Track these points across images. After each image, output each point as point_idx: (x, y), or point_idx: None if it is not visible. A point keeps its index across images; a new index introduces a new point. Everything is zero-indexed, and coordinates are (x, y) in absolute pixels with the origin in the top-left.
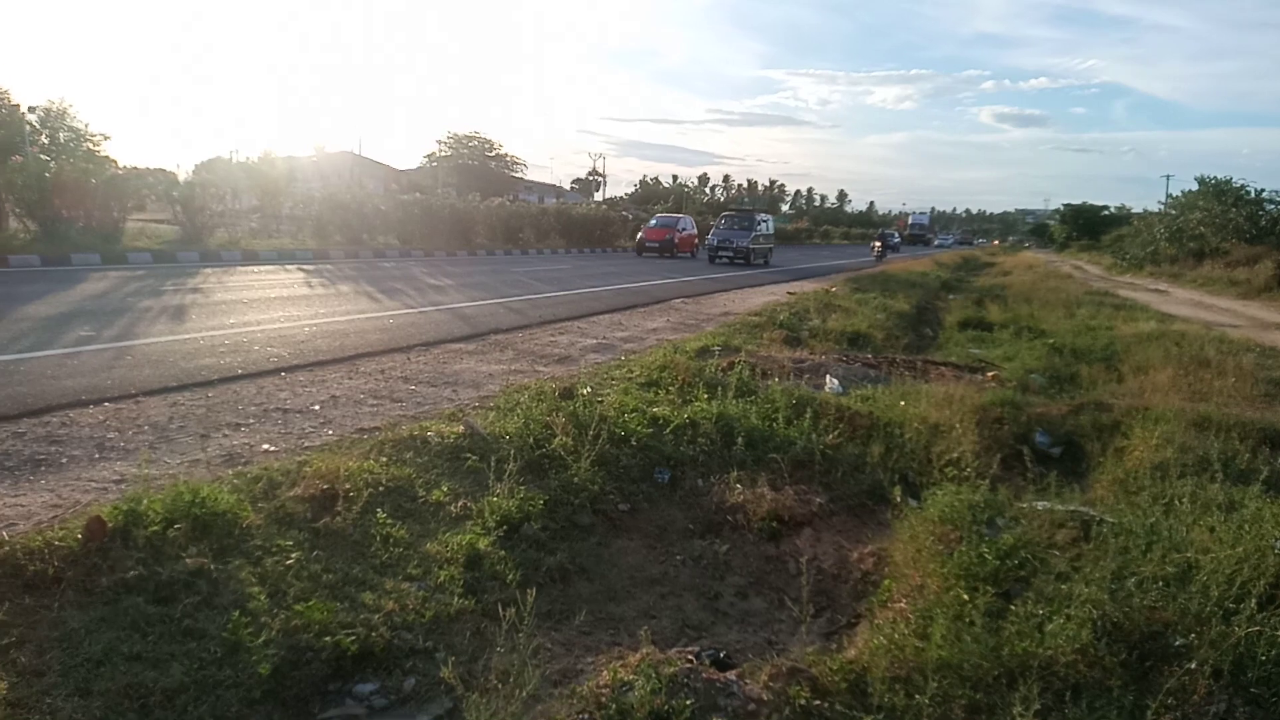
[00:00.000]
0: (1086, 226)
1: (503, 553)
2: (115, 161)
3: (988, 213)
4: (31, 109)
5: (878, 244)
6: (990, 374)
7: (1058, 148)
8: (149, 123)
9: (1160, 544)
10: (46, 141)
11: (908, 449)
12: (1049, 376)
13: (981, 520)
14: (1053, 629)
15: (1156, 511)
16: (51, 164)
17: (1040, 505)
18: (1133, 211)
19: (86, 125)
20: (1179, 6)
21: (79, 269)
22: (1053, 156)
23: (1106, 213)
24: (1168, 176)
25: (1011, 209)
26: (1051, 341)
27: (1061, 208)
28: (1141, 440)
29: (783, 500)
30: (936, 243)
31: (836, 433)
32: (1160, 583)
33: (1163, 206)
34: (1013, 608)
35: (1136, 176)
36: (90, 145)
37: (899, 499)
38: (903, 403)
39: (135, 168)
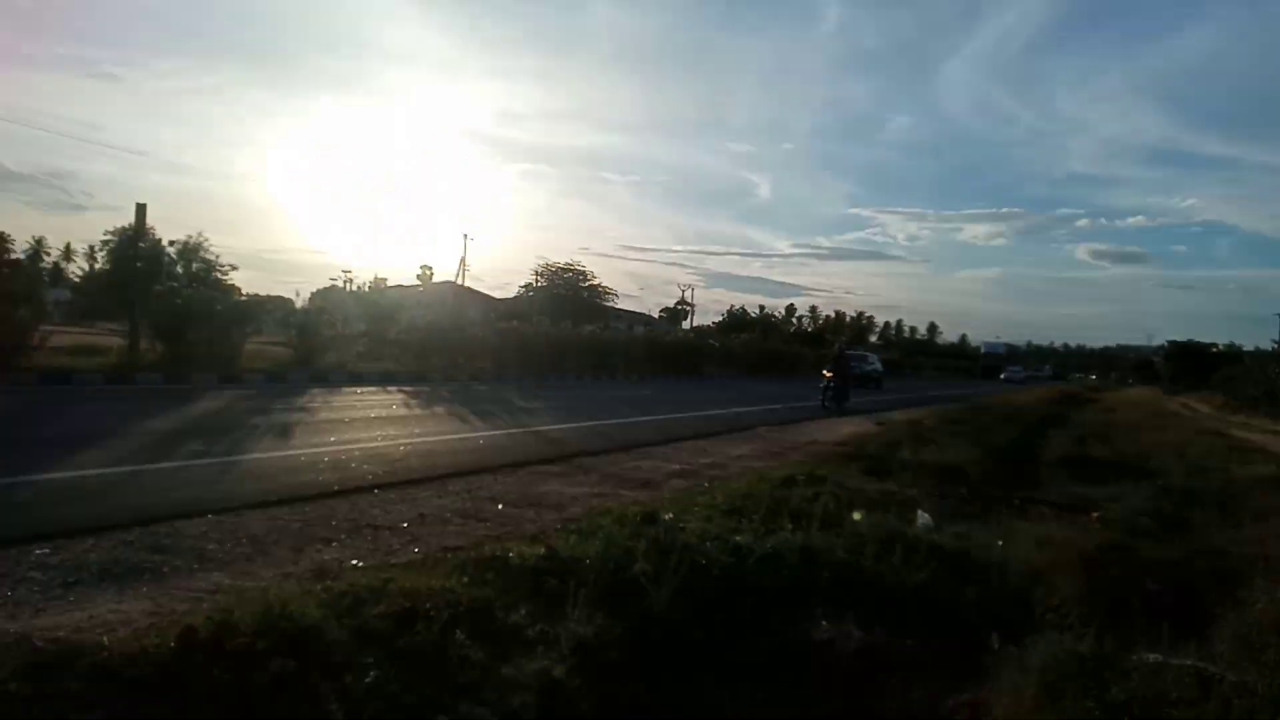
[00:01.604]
0: (1193, 364)
1: (578, 681)
2: (239, 290)
3: (1088, 347)
4: (171, 243)
5: (827, 374)
6: (1094, 514)
7: (1159, 284)
8: (273, 253)
9: None
10: (181, 271)
11: (1006, 592)
12: (1159, 519)
13: (1088, 672)
14: None
15: None
16: (184, 292)
17: (1152, 658)
18: (1243, 349)
19: (218, 256)
20: None
21: (198, 388)
22: (1154, 293)
23: (1215, 350)
24: None
25: (1113, 344)
26: (1160, 483)
27: (1166, 345)
28: (1265, 593)
29: (872, 641)
30: (1003, 376)
31: (928, 572)
32: None
33: (1276, 345)
34: None
35: (1245, 314)
36: (219, 275)
37: (998, 645)
38: (1000, 542)
39: (257, 295)
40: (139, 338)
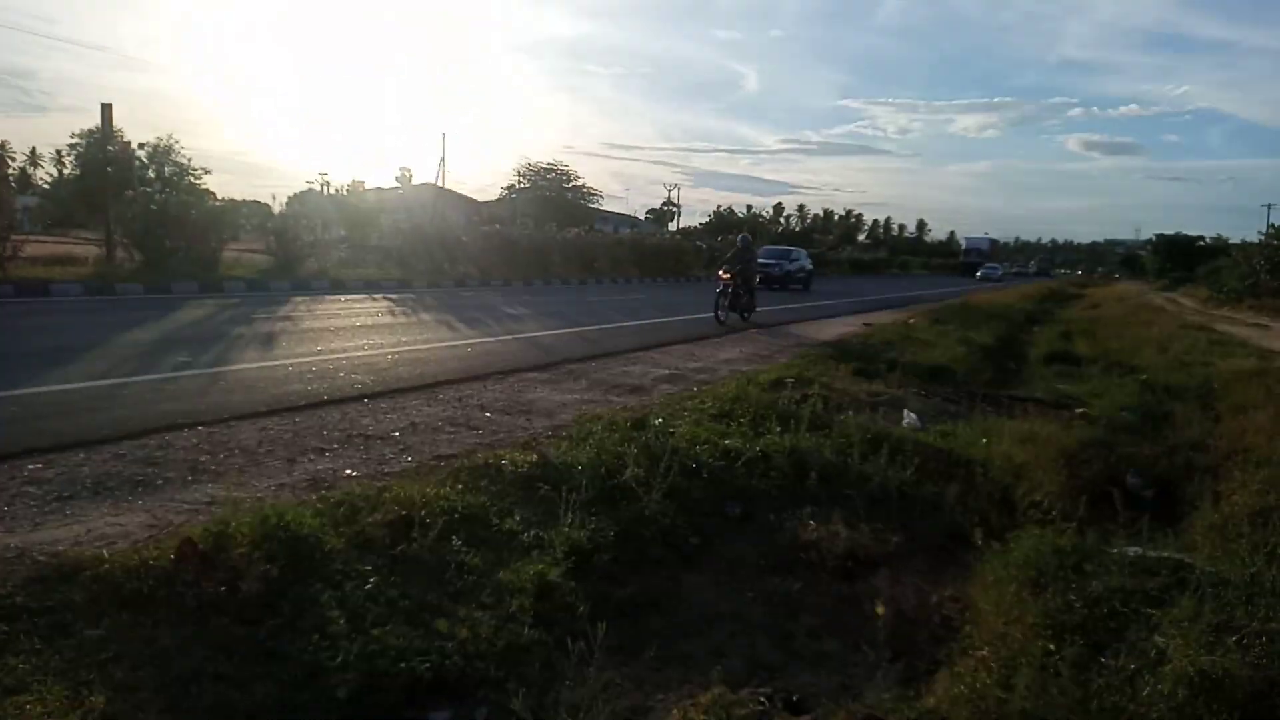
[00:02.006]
0: (1180, 258)
1: (573, 584)
2: (214, 194)
3: (1075, 243)
4: (141, 145)
5: (724, 275)
6: (1078, 411)
7: (1150, 176)
8: (245, 155)
9: (1263, 596)
10: (153, 176)
11: (990, 488)
12: (1141, 414)
13: (1069, 566)
14: (1144, 685)
15: (1258, 561)
16: (157, 197)
17: (1132, 551)
18: (1230, 242)
19: (189, 160)
20: None
21: (178, 297)
22: (1144, 185)
23: (1202, 244)
24: (1268, 205)
25: (1101, 239)
26: (1143, 378)
27: (1154, 238)
28: (1241, 485)
29: (858, 539)
30: (979, 274)
31: (914, 470)
32: (1264, 639)
33: (1263, 237)
34: (1102, 660)
35: (1234, 206)
36: (192, 179)
37: (981, 541)
38: (984, 440)
39: (233, 200)
40: (115, 246)
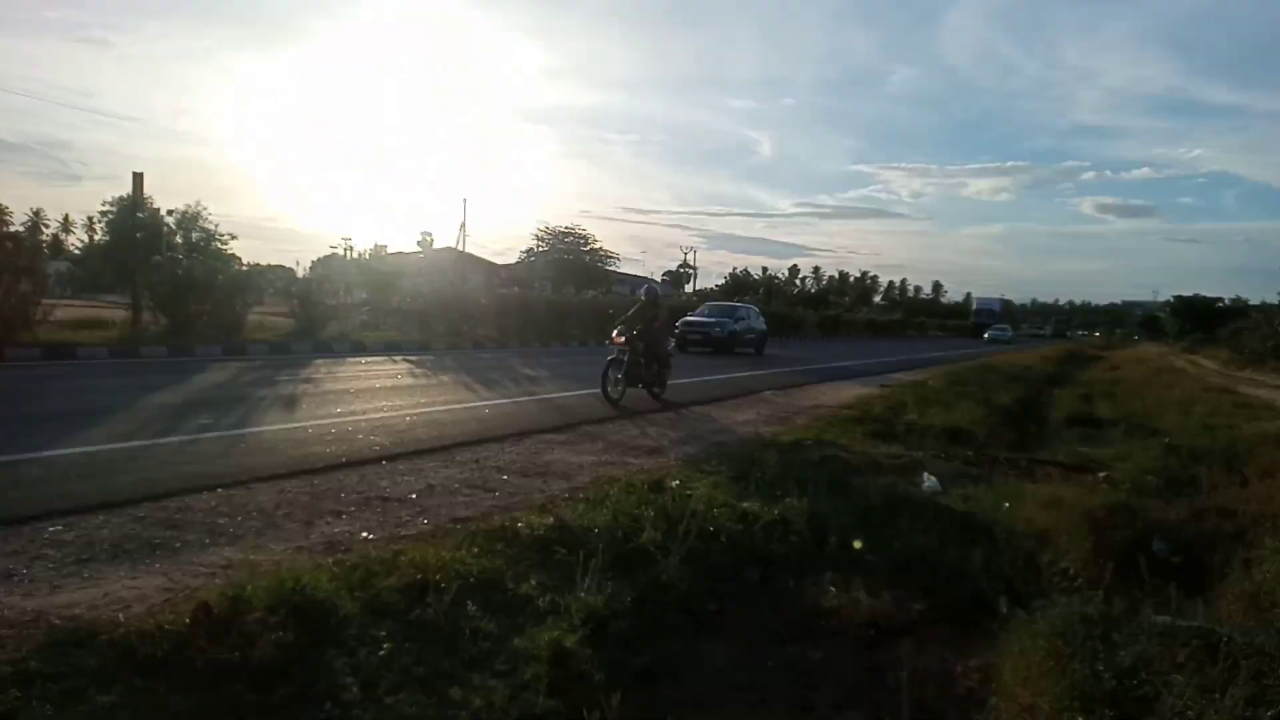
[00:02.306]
0: (1199, 319)
1: (589, 651)
2: (240, 259)
3: (1093, 304)
4: (170, 212)
5: (617, 339)
6: (1101, 474)
7: (1166, 238)
8: (272, 220)
9: None
10: (181, 241)
11: (1014, 554)
12: (1165, 478)
13: (1096, 635)
14: None
15: None
16: (184, 262)
17: (1161, 620)
18: (1250, 304)
19: (216, 226)
20: None
21: (202, 360)
22: (1160, 247)
23: (1221, 305)
24: None
25: (1119, 301)
26: (1167, 441)
27: (1172, 300)
28: (1272, 551)
29: (880, 606)
30: (986, 335)
31: (935, 534)
32: None
33: None
34: None
35: (1252, 267)
36: (219, 244)
37: (1006, 609)
38: (1007, 504)
39: (258, 265)
40: (141, 309)
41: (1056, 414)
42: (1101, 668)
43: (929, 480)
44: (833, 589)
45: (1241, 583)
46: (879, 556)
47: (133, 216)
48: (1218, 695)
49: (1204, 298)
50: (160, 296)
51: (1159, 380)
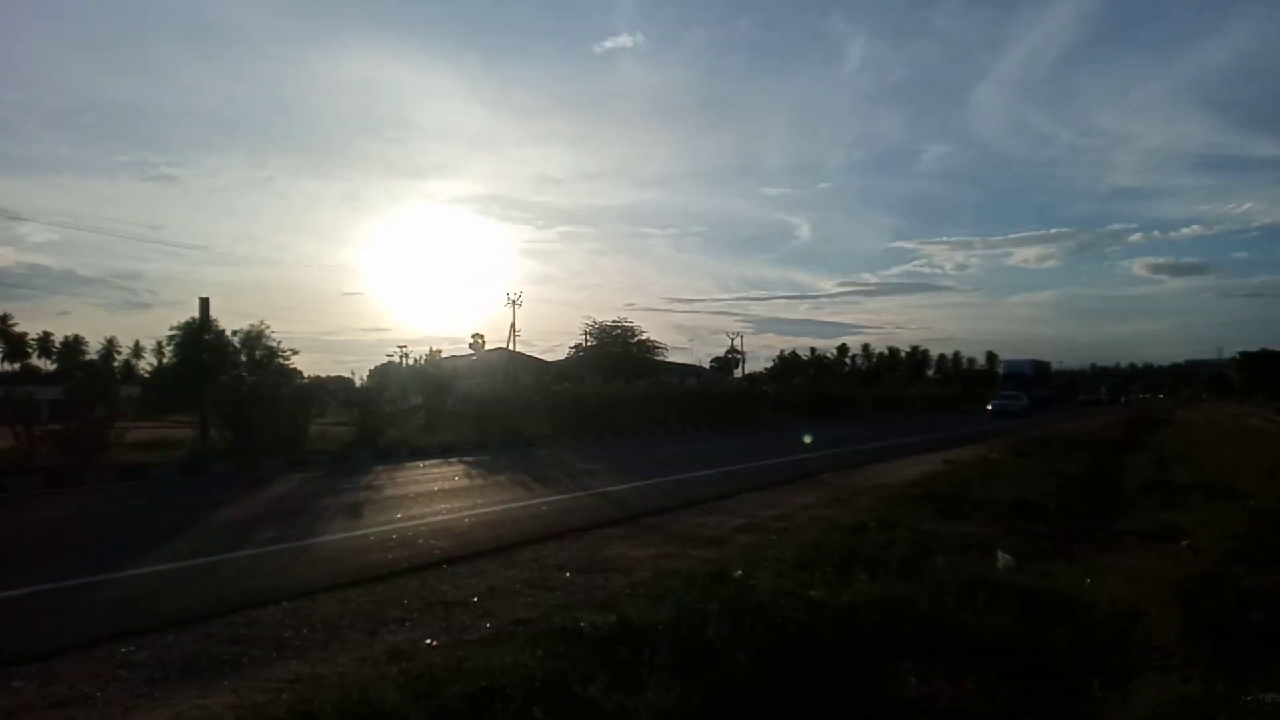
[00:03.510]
0: (1270, 374)
1: None
2: (302, 373)
3: (1155, 366)
4: (234, 332)
5: None
6: (1184, 542)
7: (1223, 294)
8: (331, 334)
9: None
10: (245, 359)
11: (1100, 633)
12: (1254, 545)
13: (1199, 717)
14: None
15: None
16: (249, 379)
17: (1270, 699)
18: None
19: (279, 343)
20: None
21: (267, 473)
22: (1220, 304)
23: None
24: None
25: (1181, 360)
26: (1252, 503)
27: (1238, 356)
28: None
29: (964, 696)
30: (991, 406)
31: (1015, 615)
32: None
33: None
34: None
35: None
36: (281, 360)
37: (1099, 693)
38: (1088, 579)
39: (318, 377)
40: (209, 427)
41: (1130, 481)
42: None
43: (1004, 558)
44: (912, 679)
45: None
46: (958, 642)
47: (199, 338)
48: None
49: (1272, 351)
50: (226, 413)
51: (1234, 440)
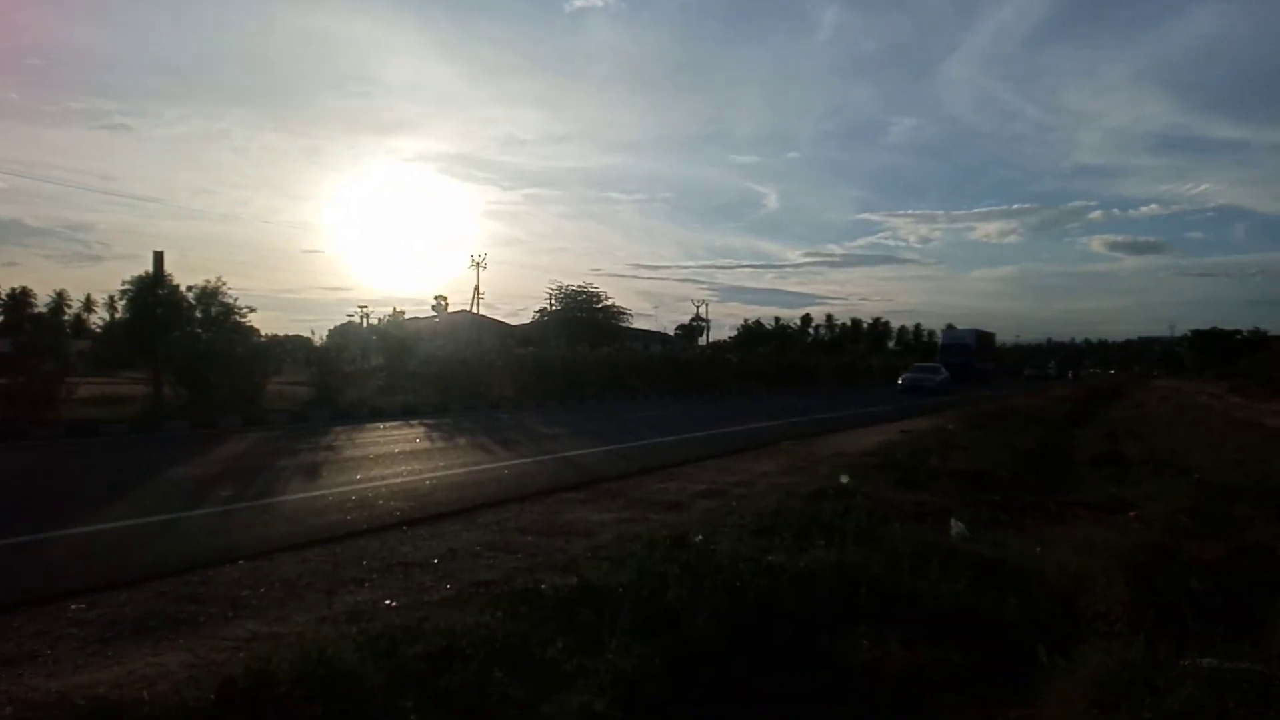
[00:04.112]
0: (1220, 352)
1: (619, 715)
2: (259, 331)
3: (1110, 342)
4: (189, 288)
5: None
6: (1131, 514)
7: (1178, 273)
8: (290, 292)
9: None
10: (200, 316)
11: (1048, 600)
12: (1199, 517)
13: (1140, 681)
14: None
15: None
16: (204, 336)
17: (1207, 663)
18: (1269, 335)
19: (235, 299)
20: None
21: (223, 432)
22: (1174, 282)
23: (1240, 337)
24: None
25: (1135, 337)
26: (1197, 477)
27: (1190, 334)
28: None
29: (916, 659)
30: (902, 382)
31: (967, 582)
32: None
33: None
34: None
35: (1269, 298)
36: (238, 317)
37: (1046, 657)
38: (1038, 548)
39: (276, 336)
40: (162, 384)
41: (1081, 454)
42: (1148, 715)
43: (957, 527)
44: (866, 643)
45: None
46: (912, 608)
47: (153, 294)
48: None
49: (1222, 330)
50: (180, 370)
51: (1183, 417)
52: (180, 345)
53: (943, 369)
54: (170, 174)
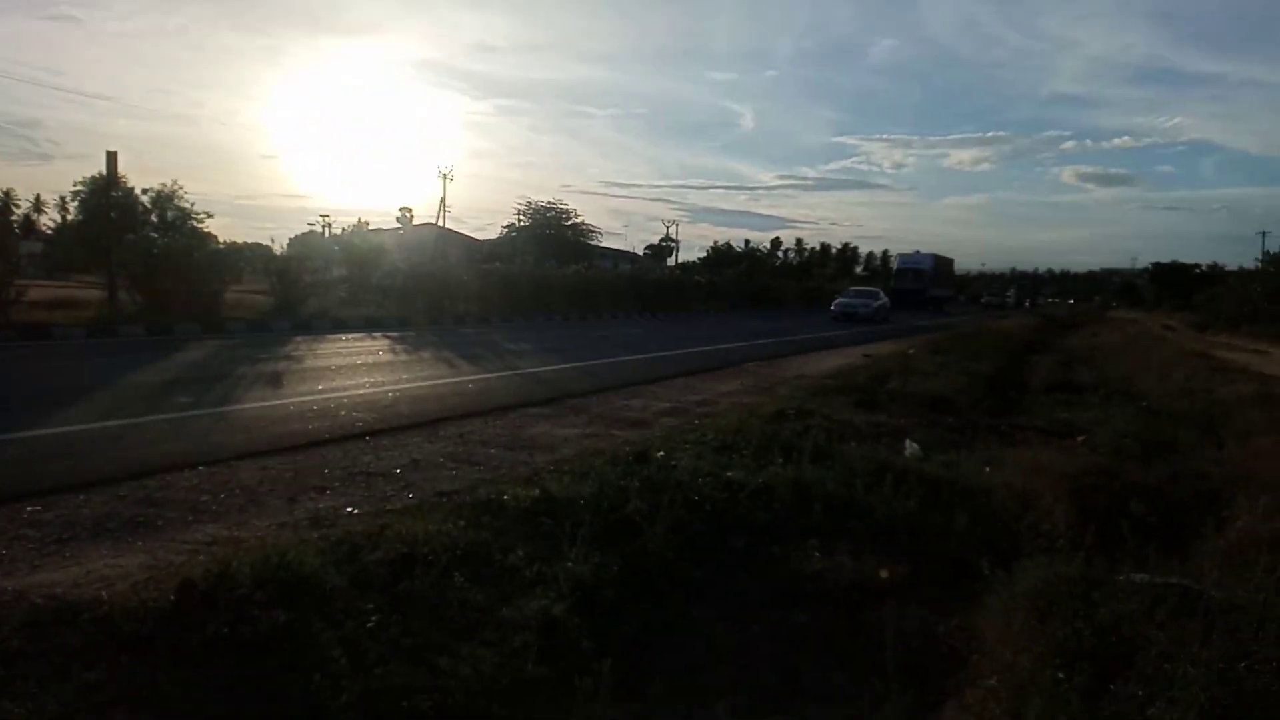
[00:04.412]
0: (1177, 285)
1: (577, 620)
2: (217, 237)
3: (1073, 272)
4: (145, 191)
5: None
6: (1080, 439)
7: (1144, 206)
8: (250, 199)
9: (1273, 623)
10: (156, 220)
11: (995, 518)
12: (1144, 442)
13: (1076, 594)
14: (1156, 712)
15: (1268, 587)
16: (160, 241)
17: (1139, 578)
18: (1227, 270)
19: (192, 204)
20: (1270, 62)
21: (180, 339)
22: (1140, 215)
23: (1198, 271)
24: (1263, 233)
25: (1098, 268)
26: (1145, 405)
27: (1150, 266)
28: (1247, 510)
29: (865, 570)
30: (835, 307)
31: (918, 500)
32: (1275, 665)
33: (1259, 264)
34: (1112, 688)
35: (1229, 234)
36: (195, 223)
37: (988, 570)
38: (988, 469)
39: (234, 243)
40: (117, 289)
41: (1036, 381)
42: (1081, 625)
43: (911, 447)
44: (817, 554)
45: (1218, 542)
46: (863, 522)
47: (107, 195)
48: (1195, 649)
49: (1181, 264)
50: (136, 275)
51: (1137, 346)
52: (135, 250)
53: (881, 294)
54: (122, 71)
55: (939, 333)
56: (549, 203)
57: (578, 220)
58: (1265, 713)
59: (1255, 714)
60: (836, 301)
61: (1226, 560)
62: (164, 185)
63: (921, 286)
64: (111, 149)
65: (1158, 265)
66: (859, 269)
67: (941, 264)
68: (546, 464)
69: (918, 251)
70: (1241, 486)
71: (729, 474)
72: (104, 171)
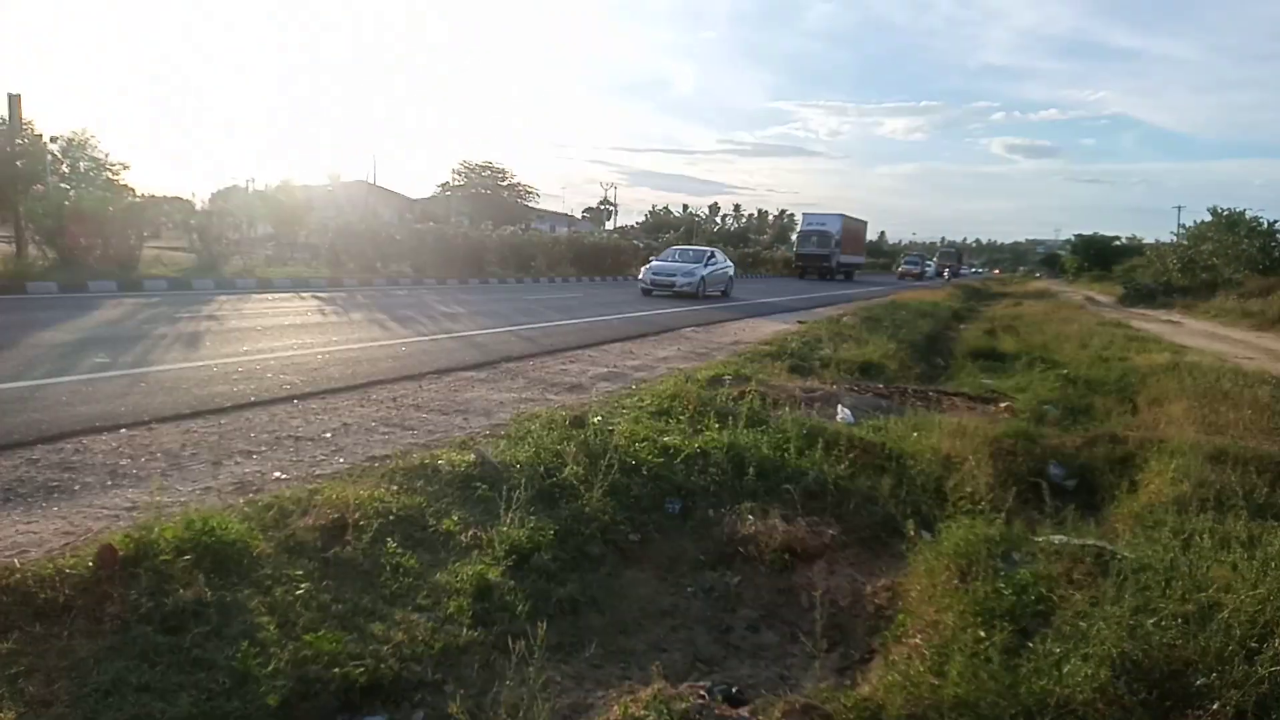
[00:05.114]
0: (1098, 257)
1: (512, 583)
2: (133, 190)
3: (999, 243)
4: (54, 139)
5: None
6: (1003, 404)
7: (1069, 179)
8: (167, 152)
9: (1180, 581)
10: (67, 170)
11: (921, 481)
12: (1063, 408)
13: (997, 554)
14: (1071, 668)
15: (1175, 547)
16: (71, 192)
17: (1057, 540)
18: (1144, 242)
19: (107, 155)
20: (1186, 37)
21: (96, 296)
22: (1064, 187)
23: (1118, 243)
24: (1179, 207)
25: (1023, 239)
26: (1065, 372)
27: (1073, 238)
28: (1158, 473)
29: (795, 532)
30: (645, 277)
31: (848, 464)
32: (1181, 621)
33: (1175, 237)
34: (1030, 645)
35: (1148, 207)
36: (109, 174)
37: (913, 532)
38: (915, 434)
39: (153, 196)
40: (25, 243)
41: (962, 348)
42: (1001, 584)
43: (843, 412)
44: (750, 517)
45: (1130, 504)
46: (796, 486)
47: (11, 142)
48: (1108, 606)
49: (1102, 236)
50: (46, 229)
51: (1058, 315)
52: (45, 201)
53: (720, 257)
54: (24, 8)
55: (871, 301)
56: (485, 163)
57: (514, 181)
58: (1169, 663)
59: (1161, 665)
60: (647, 268)
61: (1137, 521)
62: (75, 134)
63: (827, 252)
64: (15, 92)
65: (1080, 237)
66: (793, 236)
67: (851, 226)
68: (482, 428)
69: (824, 213)
70: (1153, 450)
71: (665, 439)
72: (5, 116)
